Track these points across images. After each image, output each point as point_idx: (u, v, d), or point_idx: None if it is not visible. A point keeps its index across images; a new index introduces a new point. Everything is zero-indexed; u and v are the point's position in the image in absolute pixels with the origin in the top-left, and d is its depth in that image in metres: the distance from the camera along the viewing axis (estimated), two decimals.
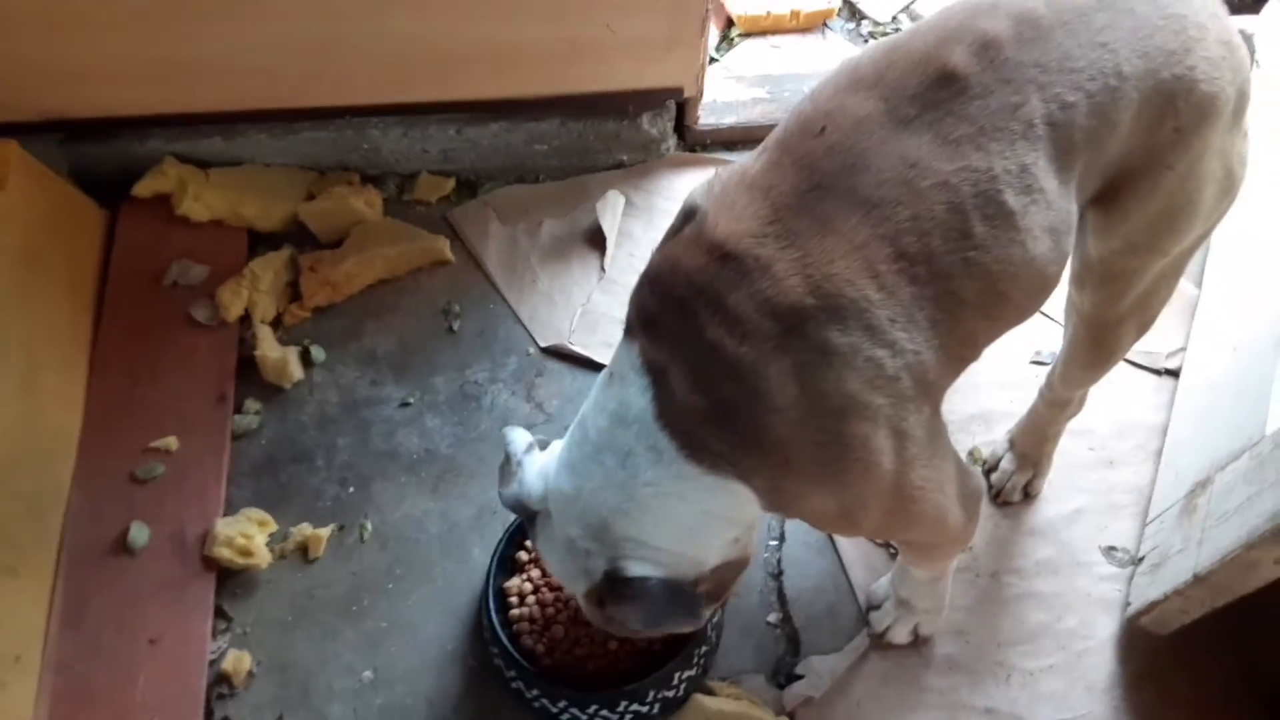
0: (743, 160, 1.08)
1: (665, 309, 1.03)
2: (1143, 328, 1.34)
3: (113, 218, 1.89)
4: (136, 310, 1.80)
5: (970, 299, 1.03)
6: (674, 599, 1.08)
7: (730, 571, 1.17)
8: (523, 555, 1.52)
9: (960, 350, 1.08)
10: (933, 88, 1.02)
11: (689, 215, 1.07)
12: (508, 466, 1.20)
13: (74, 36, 1.69)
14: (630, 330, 1.08)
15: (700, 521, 1.07)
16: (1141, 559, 1.55)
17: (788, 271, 0.97)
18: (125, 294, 1.82)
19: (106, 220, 1.89)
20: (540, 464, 1.18)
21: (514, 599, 1.48)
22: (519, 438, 1.22)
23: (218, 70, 1.79)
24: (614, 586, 1.09)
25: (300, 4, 1.69)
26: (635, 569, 1.07)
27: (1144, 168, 1.11)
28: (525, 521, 1.21)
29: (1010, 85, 1.02)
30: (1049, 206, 1.04)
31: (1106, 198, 1.15)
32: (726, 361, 0.97)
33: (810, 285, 0.97)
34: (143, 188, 1.88)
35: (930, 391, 1.05)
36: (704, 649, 1.45)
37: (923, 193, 0.99)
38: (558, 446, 1.18)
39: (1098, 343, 1.36)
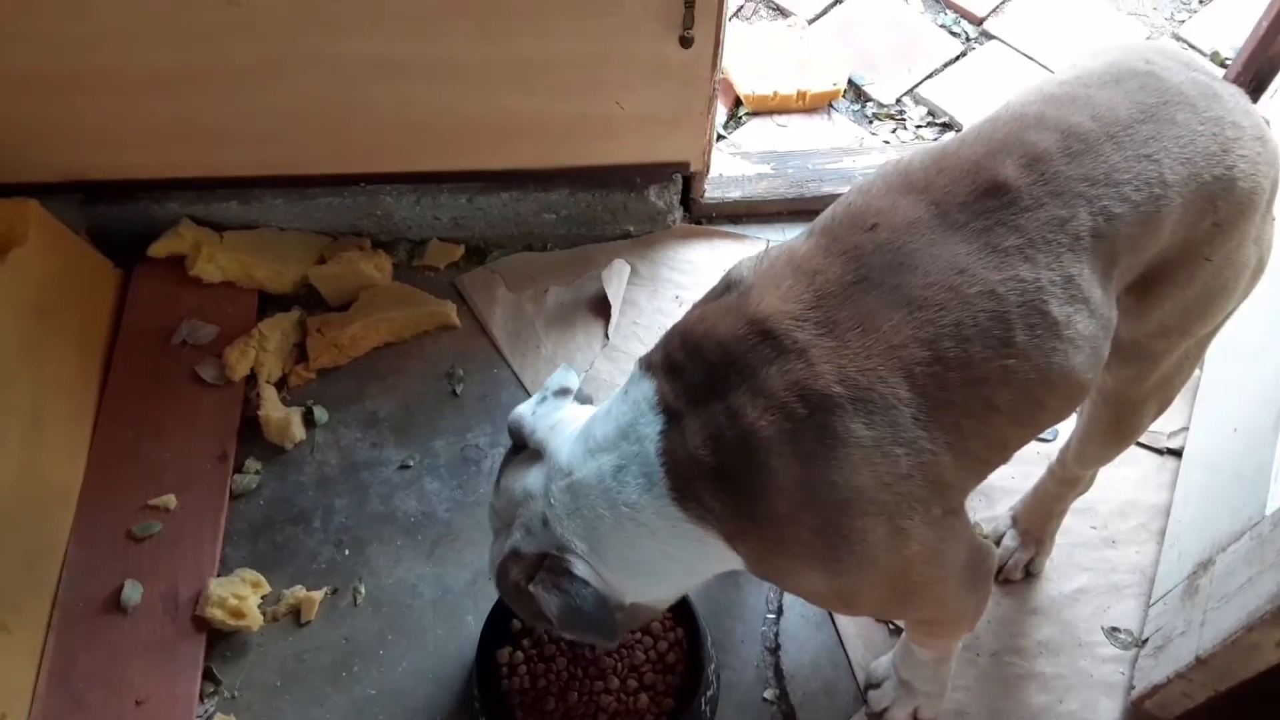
0: (790, 241, 1.11)
1: (693, 363, 1.04)
2: (1162, 407, 1.34)
3: (127, 277, 1.93)
4: (145, 368, 1.82)
5: (1004, 406, 1.03)
6: (598, 614, 1.07)
7: (642, 614, 1.18)
8: (516, 624, 1.50)
9: (988, 455, 1.08)
10: (983, 197, 1.04)
11: (731, 285, 1.09)
12: (542, 394, 1.20)
13: (97, 100, 1.75)
14: (650, 367, 1.09)
15: (659, 563, 1.07)
16: (1145, 641, 1.53)
17: (822, 358, 0.99)
18: (134, 351, 1.84)
19: (121, 279, 1.92)
20: (563, 415, 1.17)
21: (505, 668, 1.46)
22: (564, 378, 1.22)
23: (237, 136, 1.84)
24: (552, 571, 1.07)
25: (319, 73, 1.74)
26: (580, 568, 1.07)
27: (1181, 260, 1.13)
28: (512, 446, 1.20)
29: (1060, 199, 1.04)
30: (1091, 315, 1.05)
31: (1141, 286, 1.16)
32: (743, 430, 0.98)
33: (842, 375, 0.98)
34: (158, 248, 1.92)
35: (945, 492, 1.05)
36: None
37: (968, 300, 1.01)
38: (585, 415, 1.16)
39: (1118, 421, 1.35)
